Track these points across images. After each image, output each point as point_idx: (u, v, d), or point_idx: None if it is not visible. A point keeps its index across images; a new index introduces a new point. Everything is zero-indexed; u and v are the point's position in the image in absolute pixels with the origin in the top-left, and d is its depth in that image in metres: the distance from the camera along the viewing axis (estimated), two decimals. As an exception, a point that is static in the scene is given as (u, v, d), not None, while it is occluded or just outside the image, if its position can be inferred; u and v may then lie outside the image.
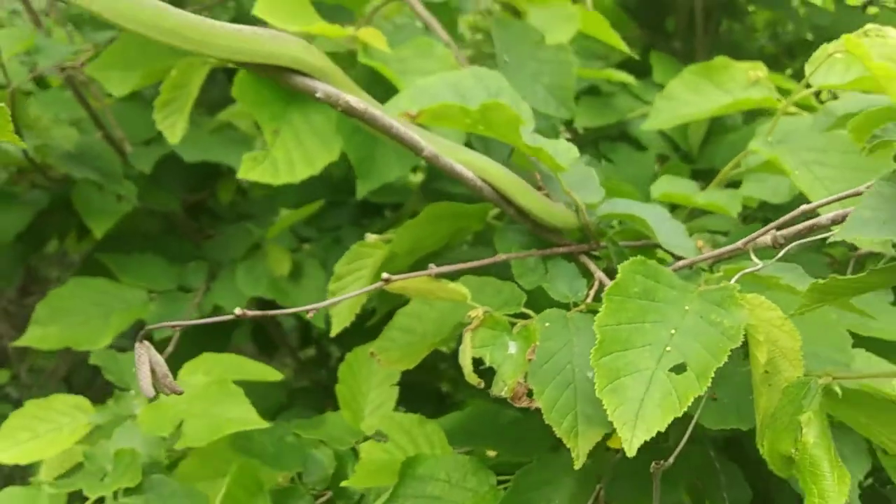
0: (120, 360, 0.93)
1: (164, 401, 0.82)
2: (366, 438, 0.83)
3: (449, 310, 0.70)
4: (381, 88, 0.78)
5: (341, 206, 1.20)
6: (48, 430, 0.82)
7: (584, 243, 0.70)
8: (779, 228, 0.64)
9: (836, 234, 0.52)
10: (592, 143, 1.16)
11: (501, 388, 0.57)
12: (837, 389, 0.56)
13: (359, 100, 0.57)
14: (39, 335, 1.03)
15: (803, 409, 0.53)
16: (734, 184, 0.94)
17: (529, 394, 0.57)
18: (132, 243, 1.17)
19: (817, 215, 0.63)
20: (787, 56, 1.41)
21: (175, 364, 1.01)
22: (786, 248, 0.61)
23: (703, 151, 1.12)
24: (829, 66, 0.85)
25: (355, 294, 0.59)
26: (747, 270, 0.62)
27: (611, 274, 0.69)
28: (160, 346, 1.06)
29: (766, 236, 0.64)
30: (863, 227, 0.50)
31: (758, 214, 1.01)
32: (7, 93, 0.98)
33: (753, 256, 0.62)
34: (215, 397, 0.80)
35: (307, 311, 0.55)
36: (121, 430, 0.81)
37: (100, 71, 0.90)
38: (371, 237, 0.74)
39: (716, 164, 1.09)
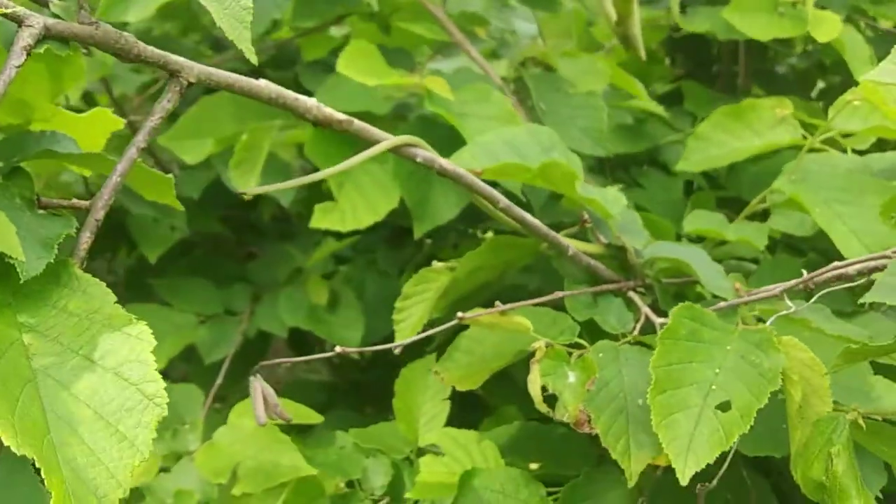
0: (175, 392, 0.99)
1: (219, 442, 0.90)
2: (420, 449, 0.91)
3: (508, 336, 0.77)
4: (440, 131, 0.86)
5: (377, 230, 1.27)
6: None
7: (631, 280, 0.78)
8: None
9: (865, 297, 0.59)
10: (623, 168, 1.23)
11: (563, 414, 0.65)
12: (862, 423, 0.63)
13: (448, 161, 0.66)
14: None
15: (833, 443, 0.60)
16: (763, 211, 1.01)
17: (590, 420, 0.64)
18: (177, 262, 1.25)
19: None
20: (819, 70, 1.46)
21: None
22: (816, 296, 0.69)
23: (729, 179, 1.19)
24: (851, 111, 0.92)
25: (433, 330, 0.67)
26: (781, 313, 0.69)
27: (655, 308, 0.77)
28: (213, 369, 1.13)
29: (797, 280, 0.71)
30: (889, 292, 0.57)
31: (781, 241, 1.07)
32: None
33: (787, 300, 0.69)
34: (265, 443, 0.86)
35: (395, 348, 0.63)
36: (179, 467, 0.88)
37: (174, 141, 0.98)
38: (437, 264, 0.82)
39: (742, 192, 1.16)
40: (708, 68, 1.31)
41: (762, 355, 0.63)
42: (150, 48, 0.53)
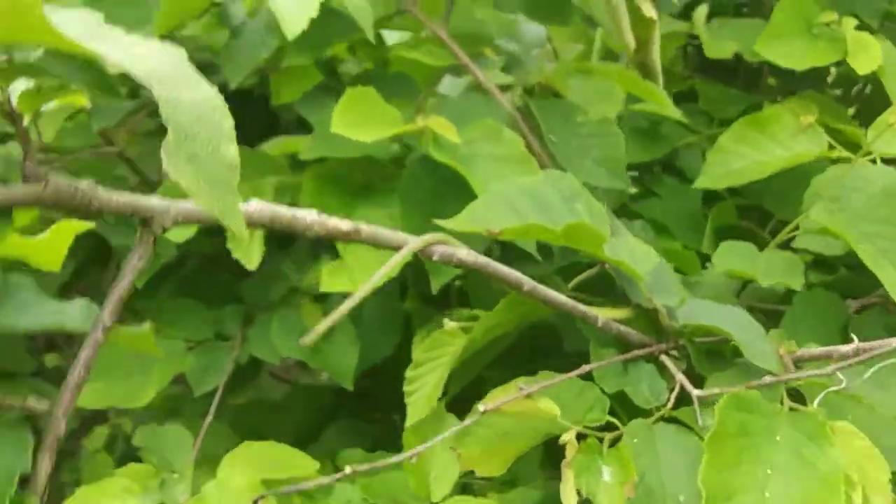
0: (162, 435, 0.93)
1: (207, 496, 0.83)
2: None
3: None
4: (444, 172, 0.79)
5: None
6: (104, 518, 0.83)
7: (662, 342, 0.71)
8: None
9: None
10: (637, 176, 1.15)
11: (601, 526, 0.59)
12: (926, 523, 0.58)
13: (467, 252, 0.60)
14: (84, 393, 1.02)
15: (897, 552, 0.55)
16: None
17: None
18: (167, 280, 1.17)
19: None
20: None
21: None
22: (870, 371, 0.62)
23: (750, 187, 1.12)
24: (892, 133, 0.85)
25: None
26: (831, 389, 0.63)
27: (689, 372, 0.71)
28: (206, 399, 1.06)
29: (849, 347, 0.65)
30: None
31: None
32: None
33: (840, 374, 0.63)
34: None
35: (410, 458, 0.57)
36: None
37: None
38: (450, 325, 0.75)
39: (763, 201, 1.10)
40: (723, 64, 1.23)
41: (816, 450, 0.57)
42: (115, 196, 0.44)
